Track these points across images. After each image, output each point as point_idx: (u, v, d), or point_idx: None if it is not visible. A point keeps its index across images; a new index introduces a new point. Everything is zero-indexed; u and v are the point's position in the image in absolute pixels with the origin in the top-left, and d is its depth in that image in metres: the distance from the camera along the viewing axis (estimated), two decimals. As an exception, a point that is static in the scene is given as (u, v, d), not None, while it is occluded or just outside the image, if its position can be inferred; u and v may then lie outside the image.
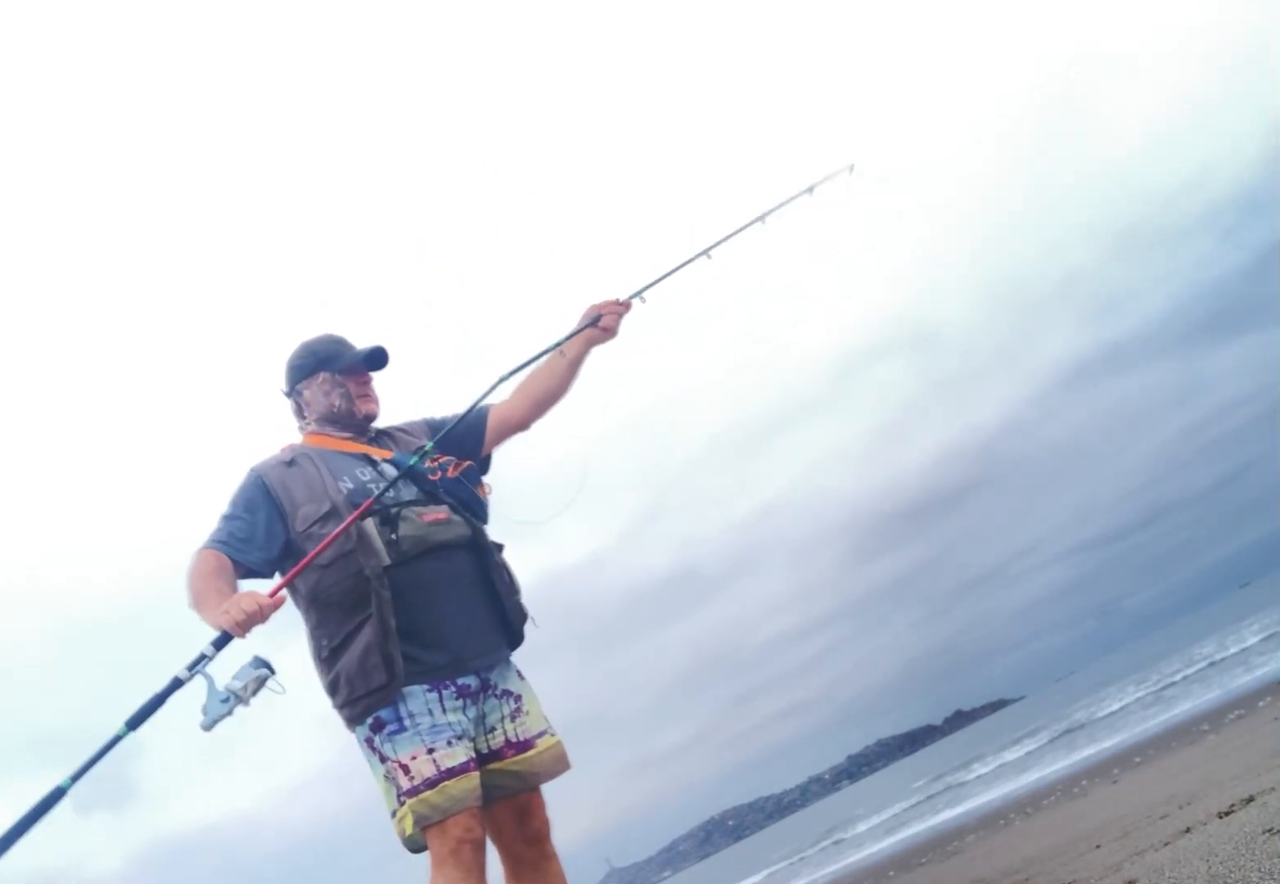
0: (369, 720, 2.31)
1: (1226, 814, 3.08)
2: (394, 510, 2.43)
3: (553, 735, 2.51)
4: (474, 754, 2.34)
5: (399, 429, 2.79)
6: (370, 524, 2.39)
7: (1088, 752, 11.12)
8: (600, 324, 2.68)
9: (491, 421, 2.75)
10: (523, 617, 2.55)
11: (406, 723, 2.29)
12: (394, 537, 2.40)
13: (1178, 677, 16.20)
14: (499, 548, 2.59)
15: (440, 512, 2.49)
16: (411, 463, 2.52)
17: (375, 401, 2.70)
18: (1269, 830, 2.56)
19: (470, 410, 2.69)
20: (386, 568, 2.36)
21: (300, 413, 2.71)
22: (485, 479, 2.68)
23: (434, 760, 2.25)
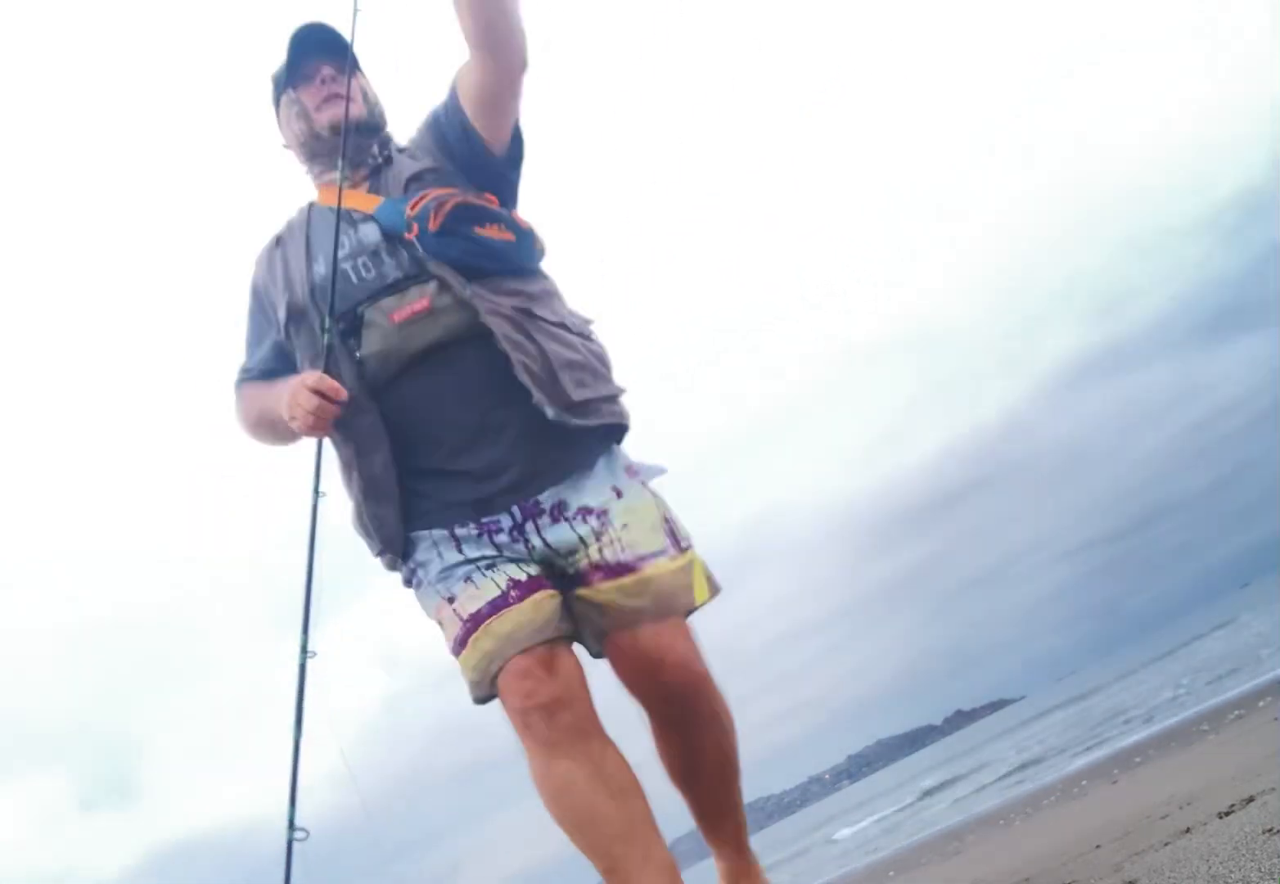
0: (401, 573, 1.94)
1: (1226, 814, 3.08)
2: (359, 313, 1.84)
3: (674, 558, 1.84)
4: (525, 575, 1.78)
5: (403, 149, 2.06)
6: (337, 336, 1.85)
7: (1087, 752, 11.11)
8: None
9: (462, 88, 1.93)
10: (577, 408, 1.83)
11: (420, 575, 1.86)
12: (358, 355, 1.84)
13: (1177, 677, 16.19)
14: (524, 315, 1.84)
15: (421, 299, 1.84)
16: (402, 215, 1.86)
17: (340, 103, 1.95)
18: (1269, 830, 2.56)
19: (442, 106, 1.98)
20: (355, 397, 1.82)
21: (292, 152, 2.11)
22: (517, 215, 1.95)
23: (456, 611, 1.78)
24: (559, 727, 1.66)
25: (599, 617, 1.82)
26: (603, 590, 1.80)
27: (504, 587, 1.75)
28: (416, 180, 1.93)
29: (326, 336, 1.84)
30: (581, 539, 1.82)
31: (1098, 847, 3.75)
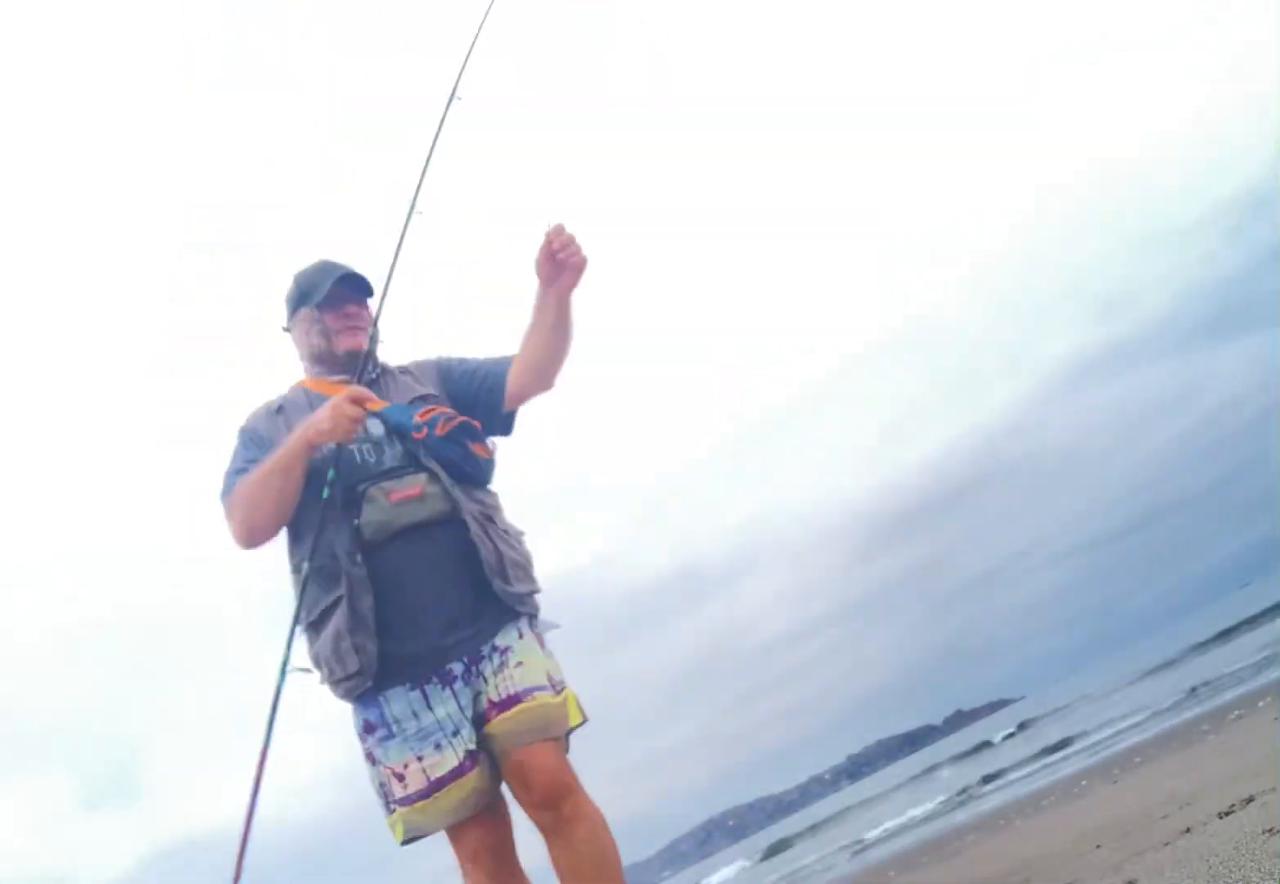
0: (360, 721, 2.22)
1: (1226, 814, 3.08)
2: (361, 489, 2.23)
3: (555, 695, 2.23)
4: (471, 745, 2.16)
5: (404, 370, 2.51)
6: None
7: (1088, 752, 11.11)
8: (564, 266, 2.27)
9: (513, 375, 2.43)
10: (515, 596, 2.27)
11: (394, 729, 2.18)
12: (356, 522, 2.20)
13: (1177, 677, 16.18)
14: (486, 520, 2.30)
15: (414, 486, 2.25)
16: (405, 419, 2.29)
17: (361, 334, 2.40)
18: (1269, 830, 2.56)
19: (485, 365, 2.47)
20: (351, 553, 2.19)
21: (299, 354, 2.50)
22: (491, 440, 2.41)
23: (424, 770, 2.15)
24: (500, 860, 2.20)
25: (499, 746, 2.17)
26: (497, 723, 2.17)
27: (460, 758, 2.15)
28: (422, 400, 2.39)
29: (327, 491, 2.21)
30: (487, 678, 2.21)
31: (1098, 847, 3.75)
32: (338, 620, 2.18)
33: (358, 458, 2.27)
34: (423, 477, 2.27)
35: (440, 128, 2.55)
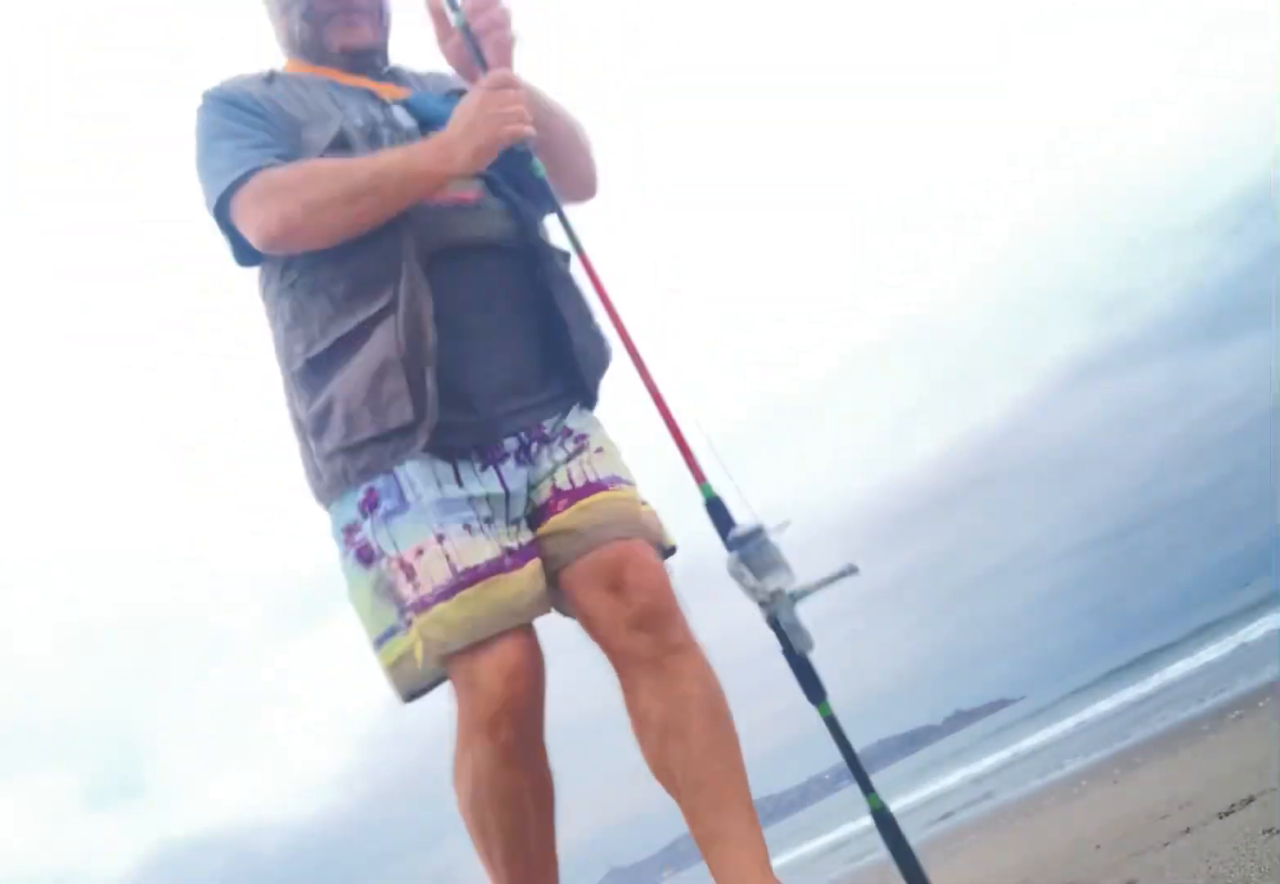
0: (359, 496, 1.53)
1: (1226, 814, 3.08)
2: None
3: (633, 489, 1.67)
4: (520, 543, 1.55)
5: (423, 75, 1.89)
6: None
7: (1087, 752, 11.11)
8: (478, 31, 1.64)
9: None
10: (601, 355, 1.70)
11: (409, 496, 1.50)
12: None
13: (1178, 677, 16.19)
14: (564, 256, 1.70)
15: (469, 189, 1.63)
16: (438, 108, 1.67)
17: (366, 29, 1.75)
18: (1269, 830, 2.56)
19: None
20: (407, 251, 1.53)
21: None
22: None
23: (447, 555, 1.47)
24: (520, 734, 1.50)
25: (564, 544, 1.57)
26: (569, 515, 1.59)
27: (499, 552, 1.52)
28: (458, 95, 1.71)
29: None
30: (555, 465, 1.63)
31: (1098, 847, 3.75)
32: (381, 344, 1.50)
33: (386, 143, 1.66)
34: (478, 183, 1.64)
35: None
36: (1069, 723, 18.37)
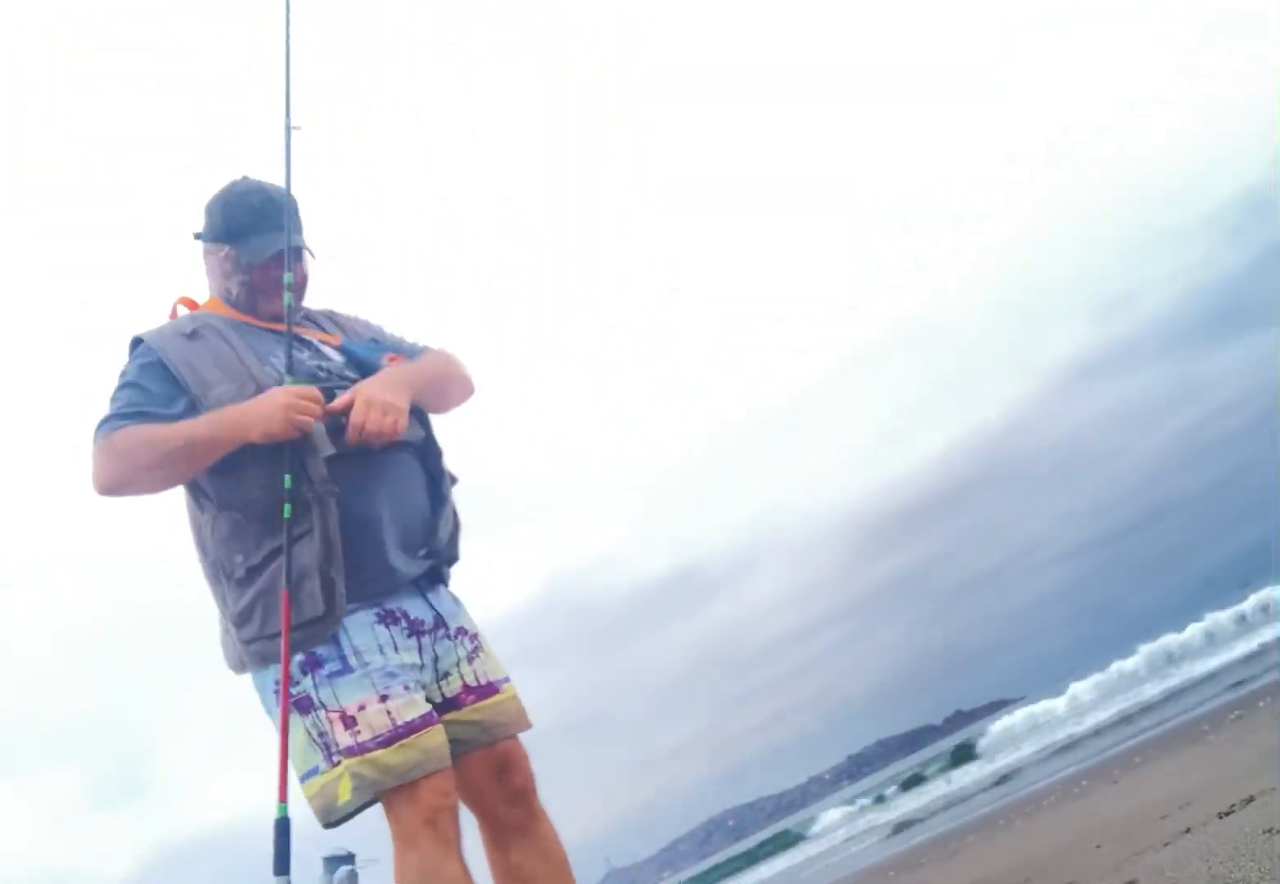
0: (299, 657, 1.86)
1: (1226, 814, 3.08)
2: (339, 393, 1.99)
3: (513, 687, 2.13)
4: (431, 706, 1.94)
5: (333, 315, 2.28)
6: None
7: (1088, 752, 11.11)
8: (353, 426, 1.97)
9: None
10: (456, 527, 2.15)
11: (353, 662, 1.86)
12: (344, 419, 1.94)
13: (1178, 677, 16.18)
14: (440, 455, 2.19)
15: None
16: (369, 355, 2.10)
17: (290, 298, 2.11)
18: (1269, 830, 2.57)
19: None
20: (328, 460, 1.92)
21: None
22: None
23: (388, 711, 1.83)
24: (455, 830, 1.86)
25: (471, 734, 2.01)
26: (476, 710, 2.03)
27: (429, 708, 1.92)
28: (375, 344, 2.20)
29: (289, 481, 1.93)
30: (458, 661, 2.06)
31: (1098, 847, 3.75)
32: (302, 556, 1.87)
33: (314, 373, 2.05)
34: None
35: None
36: (1069, 723, 18.37)
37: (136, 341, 2.08)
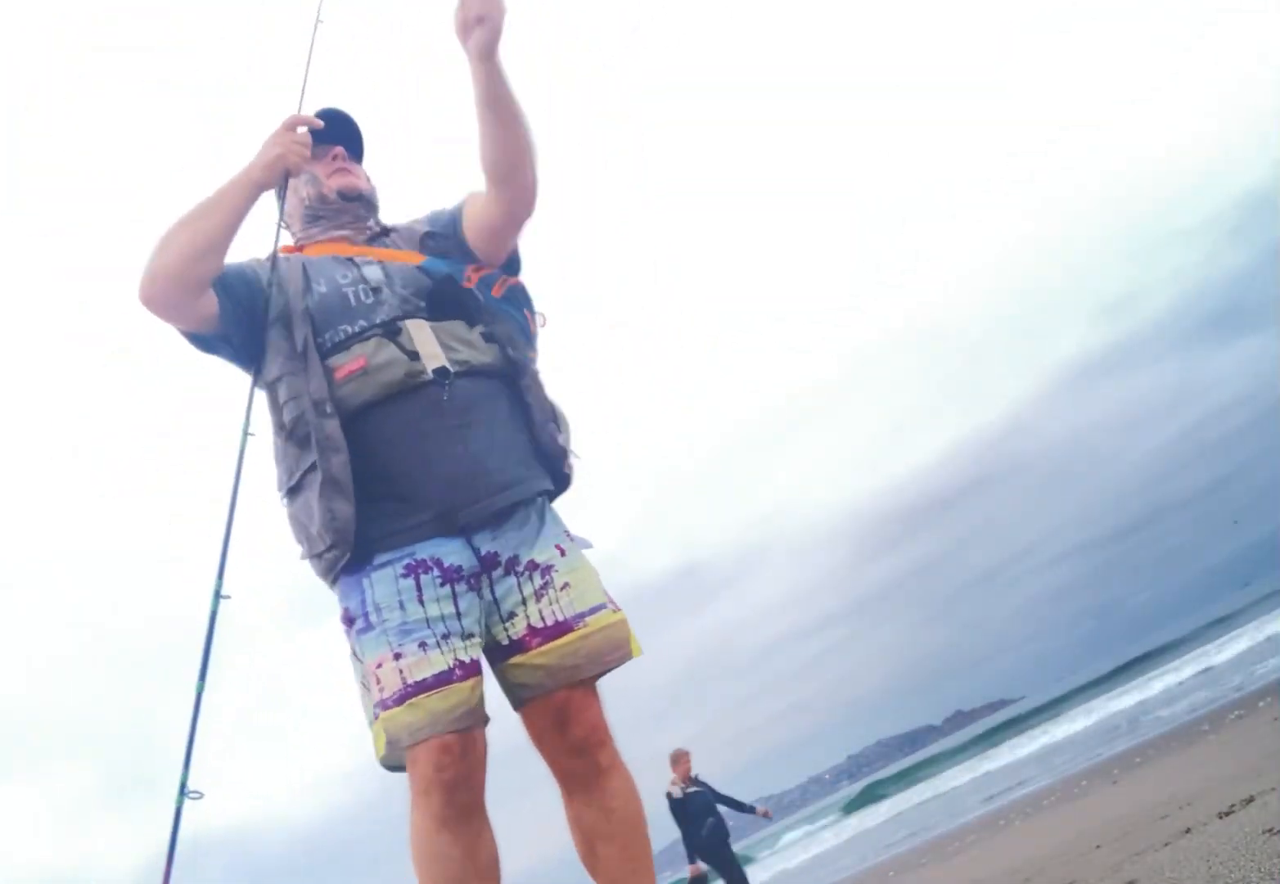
0: (340, 611, 1.87)
1: (1226, 814, 3.09)
2: (399, 324, 1.93)
3: (613, 611, 1.95)
4: (470, 657, 1.82)
5: (405, 227, 2.21)
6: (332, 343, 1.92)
7: (1088, 752, 11.12)
8: (466, 21, 1.85)
9: (468, 215, 2.10)
10: (561, 452, 2.02)
11: (373, 619, 1.82)
12: (413, 348, 1.90)
13: (1178, 677, 16.18)
14: (536, 378, 2.05)
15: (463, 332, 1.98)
16: (443, 271, 2.02)
17: (355, 175, 2.18)
18: (1269, 830, 2.57)
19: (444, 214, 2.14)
20: (334, 398, 1.88)
21: (287, 224, 2.20)
22: (540, 314, 2.14)
23: (399, 671, 1.78)
24: (453, 804, 1.75)
25: (536, 678, 1.87)
26: (542, 653, 1.86)
27: (450, 663, 1.79)
28: (430, 238, 2.10)
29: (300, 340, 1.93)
30: (524, 599, 1.87)
31: (1098, 847, 3.76)
32: (305, 491, 1.87)
33: (352, 300, 1.98)
34: (475, 330, 2.00)
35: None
36: (1069, 723, 18.38)
37: None
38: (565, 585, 1.89)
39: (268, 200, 2.08)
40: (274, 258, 2.04)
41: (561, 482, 2.03)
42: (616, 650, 1.89)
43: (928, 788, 20.17)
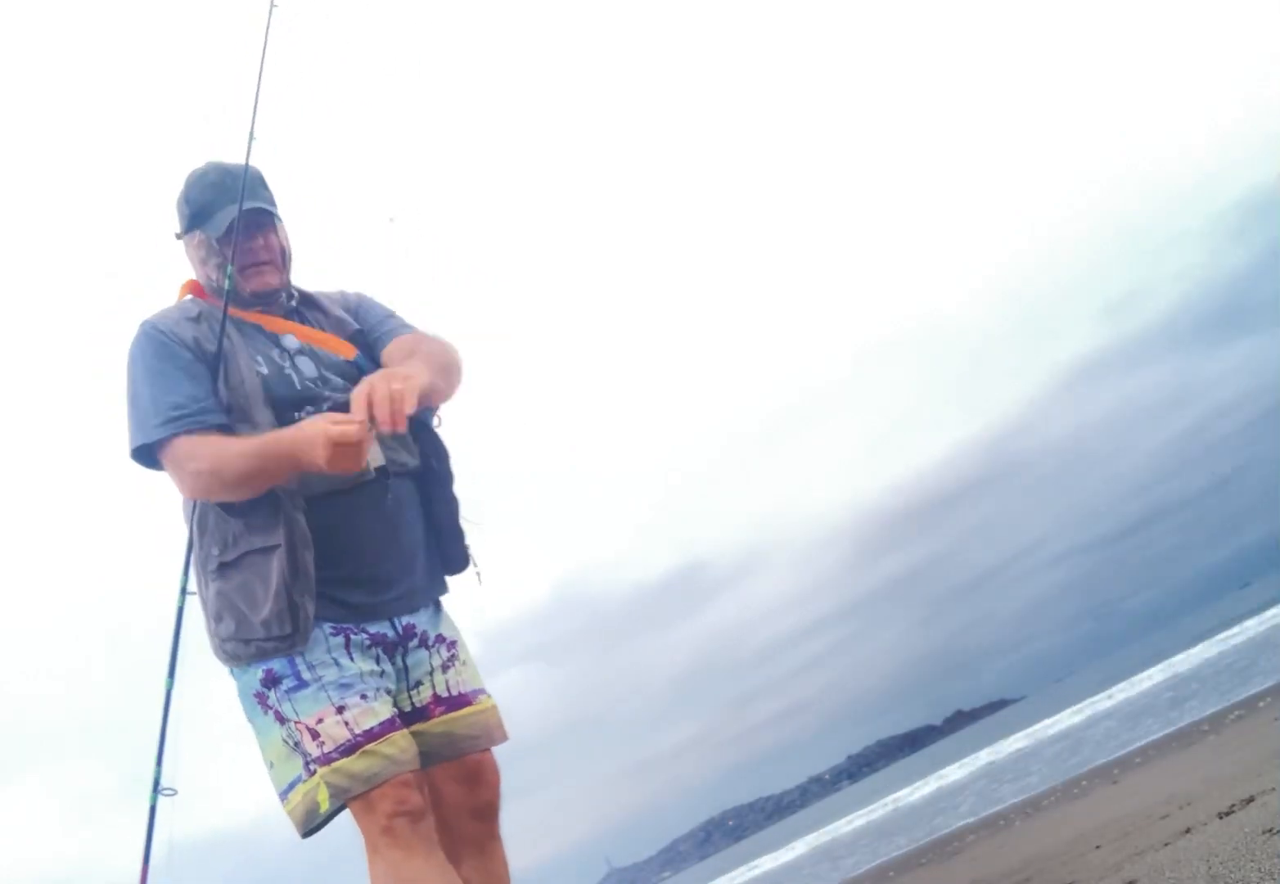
0: (259, 673, 1.86)
1: (1226, 814, 3.08)
2: (298, 417, 1.91)
3: (490, 699, 2.07)
4: (394, 713, 1.88)
5: (318, 301, 2.16)
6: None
7: (1088, 752, 11.11)
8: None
9: (387, 361, 2.07)
10: (464, 560, 2.09)
11: (307, 676, 1.84)
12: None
13: (1177, 677, 16.19)
14: (450, 480, 2.09)
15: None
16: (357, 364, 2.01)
17: (270, 271, 2.05)
18: (1269, 830, 2.56)
19: (380, 326, 2.14)
20: (294, 494, 1.88)
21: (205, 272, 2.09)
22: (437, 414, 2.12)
23: (345, 722, 1.81)
24: (419, 833, 1.81)
25: (438, 746, 1.96)
26: (443, 722, 1.98)
27: (392, 713, 1.88)
28: (360, 336, 2.13)
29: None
30: (432, 670, 2.01)
31: (1098, 847, 3.76)
32: (273, 574, 1.85)
33: (297, 385, 1.98)
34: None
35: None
36: (1069, 723, 18.39)
37: (145, 325, 2.01)
38: (464, 662, 2.06)
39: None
40: (219, 341, 1.97)
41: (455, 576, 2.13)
42: (499, 730, 2.06)
43: (928, 787, 20.19)
